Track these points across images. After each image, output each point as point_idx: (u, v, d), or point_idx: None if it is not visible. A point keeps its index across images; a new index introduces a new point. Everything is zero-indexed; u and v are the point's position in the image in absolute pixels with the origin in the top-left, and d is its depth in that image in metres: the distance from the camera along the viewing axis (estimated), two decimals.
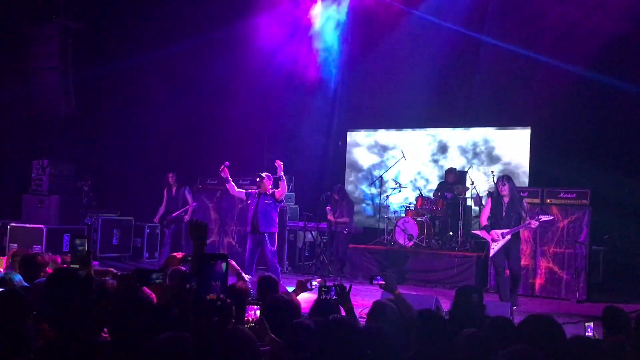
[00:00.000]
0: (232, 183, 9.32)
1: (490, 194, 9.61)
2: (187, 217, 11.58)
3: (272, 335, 3.71)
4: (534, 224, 8.53)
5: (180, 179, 12.00)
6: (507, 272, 8.78)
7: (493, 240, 8.68)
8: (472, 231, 10.10)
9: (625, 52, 11.53)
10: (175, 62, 13.65)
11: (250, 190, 9.47)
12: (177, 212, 11.62)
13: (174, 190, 11.83)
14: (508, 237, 8.56)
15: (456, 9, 12.68)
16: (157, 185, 12.16)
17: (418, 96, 13.39)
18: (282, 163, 8.99)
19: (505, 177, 8.91)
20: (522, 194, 10.37)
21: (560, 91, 12.15)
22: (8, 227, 11.57)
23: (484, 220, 8.90)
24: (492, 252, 8.76)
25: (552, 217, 9.19)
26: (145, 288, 4.05)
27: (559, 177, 11.52)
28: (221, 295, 3.58)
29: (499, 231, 8.60)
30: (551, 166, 12.14)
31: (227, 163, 9.09)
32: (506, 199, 8.69)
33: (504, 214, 8.67)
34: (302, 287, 5.01)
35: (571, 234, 10.09)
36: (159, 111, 14.22)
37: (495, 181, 9.93)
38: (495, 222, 8.72)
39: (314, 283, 5.05)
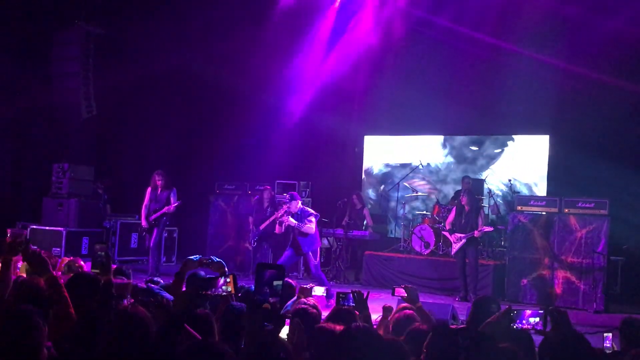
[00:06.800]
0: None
1: (455, 204, 11.19)
2: (168, 209, 10.71)
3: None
4: (477, 233, 10.15)
5: (169, 180, 10.89)
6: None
7: (454, 242, 10.40)
8: (442, 232, 11.18)
9: None
10: (194, 68, 13.74)
11: (278, 214, 9.58)
12: (156, 215, 10.72)
13: (159, 191, 10.78)
14: (464, 240, 10.23)
15: (474, 15, 12.64)
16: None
17: (435, 102, 13.34)
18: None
19: (466, 191, 10.77)
20: (540, 204, 10.56)
21: (580, 97, 12.04)
22: (28, 229, 11.69)
23: (448, 225, 10.63)
24: (453, 251, 10.54)
25: (491, 229, 10.47)
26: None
27: (577, 185, 11.45)
28: (270, 299, 3.61)
29: (458, 235, 10.32)
30: (570, 174, 12.07)
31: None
32: (467, 208, 10.36)
33: (463, 221, 10.35)
34: (305, 293, 5.02)
35: (589, 244, 9.99)
36: (177, 116, 14.32)
37: (511, 189, 10.73)
38: (457, 226, 10.39)
39: (321, 290, 5.05)
